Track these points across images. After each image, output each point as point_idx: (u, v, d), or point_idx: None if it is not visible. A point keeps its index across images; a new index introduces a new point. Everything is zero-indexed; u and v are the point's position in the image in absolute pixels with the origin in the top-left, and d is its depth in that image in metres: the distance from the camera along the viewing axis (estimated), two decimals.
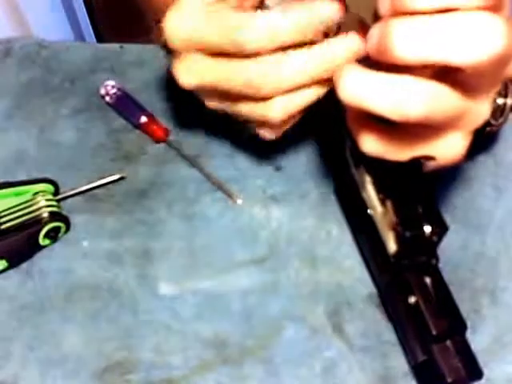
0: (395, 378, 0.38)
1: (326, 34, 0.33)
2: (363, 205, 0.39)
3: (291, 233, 0.44)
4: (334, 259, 0.43)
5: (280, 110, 0.35)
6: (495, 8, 0.28)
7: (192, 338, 0.40)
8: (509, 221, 0.45)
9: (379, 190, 0.38)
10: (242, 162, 0.48)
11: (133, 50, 0.55)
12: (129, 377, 0.38)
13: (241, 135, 0.47)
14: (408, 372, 0.39)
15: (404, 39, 0.28)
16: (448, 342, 0.36)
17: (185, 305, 0.41)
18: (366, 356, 0.39)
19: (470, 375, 0.35)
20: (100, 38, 0.85)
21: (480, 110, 0.32)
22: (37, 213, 0.43)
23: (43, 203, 0.43)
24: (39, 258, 0.43)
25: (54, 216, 0.43)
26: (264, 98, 0.34)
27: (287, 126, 0.38)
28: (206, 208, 0.45)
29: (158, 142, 0.49)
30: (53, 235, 0.43)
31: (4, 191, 0.43)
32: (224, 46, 0.33)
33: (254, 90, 0.34)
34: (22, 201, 0.43)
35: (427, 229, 0.34)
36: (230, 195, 0.46)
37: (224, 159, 0.48)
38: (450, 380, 0.35)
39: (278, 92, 0.34)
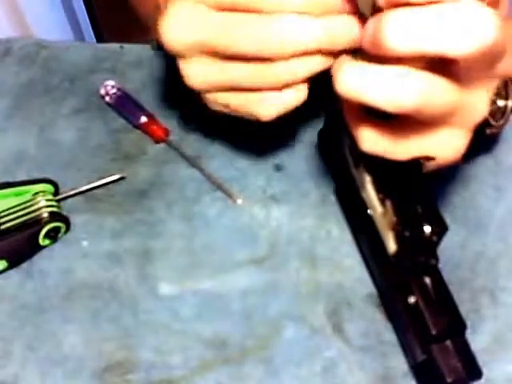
0: (395, 377, 0.38)
1: None
2: (363, 205, 0.39)
3: (291, 232, 0.44)
4: (333, 259, 0.43)
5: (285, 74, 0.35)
6: (491, 4, 0.28)
7: (192, 338, 0.40)
8: (509, 221, 0.45)
9: (379, 189, 0.38)
10: (242, 162, 0.48)
11: (133, 50, 0.55)
12: (129, 377, 0.38)
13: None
14: (408, 372, 0.39)
15: (396, 31, 0.28)
16: (447, 342, 0.36)
17: (185, 305, 0.41)
18: (365, 356, 0.39)
19: (469, 375, 0.35)
20: (100, 38, 0.85)
21: (476, 105, 0.32)
22: (37, 213, 0.43)
23: (43, 203, 0.43)
24: (39, 258, 0.43)
25: (54, 216, 0.43)
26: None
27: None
28: (205, 208, 0.45)
29: (157, 142, 0.49)
30: (53, 235, 0.43)
31: (4, 191, 0.44)
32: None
33: (260, 50, 0.33)
34: (21, 201, 0.43)
35: (427, 229, 0.34)
36: (229, 195, 0.46)
37: (224, 159, 0.48)
38: (449, 380, 0.35)
39: (283, 55, 0.33)
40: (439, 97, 0.30)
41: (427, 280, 0.37)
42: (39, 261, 0.43)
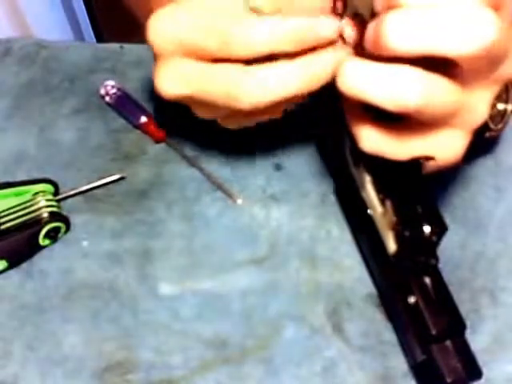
0: (395, 377, 0.38)
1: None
2: (363, 205, 0.39)
3: (291, 232, 0.44)
4: (333, 259, 0.43)
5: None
6: (493, 7, 0.28)
7: (192, 338, 0.40)
8: (508, 221, 0.45)
9: (379, 189, 0.38)
10: (242, 162, 0.48)
11: (133, 50, 0.55)
12: (129, 377, 0.38)
13: None
14: (408, 372, 0.39)
15: (397, 31, 0.28)
16: (447, 342, 0.36)
17: (185, 305, 0.41)
18: (365, 356, 0.39)
19: (469, 375, 0.35)
20: (100, 38, 0.85)
21: (477, 108, 0.32)
22: (37, 213, 0.43)
23: (43, 203, 0.43)
24: (39, 258, 0.43)
25: (54, 216, 0.43)
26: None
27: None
28: (205, 208, 0.45)
29: (157, 142, 0.49)
30: (53, 235, 0.43)
31: (4, 191, 0.44)
32: (212, 48, 0.33)
33: (233, 102, 0.33)
34: (22, 201, 0.43)
35: (427, 229, 0.34)
36: (229, 195, 0.46)
37: (224, 159, 0.48)
38: (449, 380, 0.35)
39: (260, 104, 0.34)
40: (441, 97, 0.30)
41: (427, 280, 0.37)
42: (39, 261, 0.43)
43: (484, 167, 0.47)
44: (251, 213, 0.45)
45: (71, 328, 0.40)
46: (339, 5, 0.35)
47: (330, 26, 0.33)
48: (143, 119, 0.49)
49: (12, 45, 0.55)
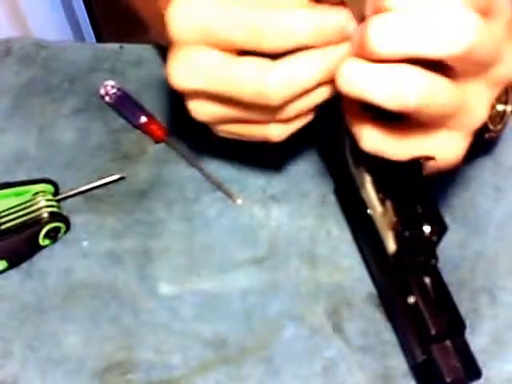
0: (395, 377, 0.38)
1: None
2: (363, 205, 0.39)
3: (291, 232, 0.44)
4: (333, 259, 0.43)
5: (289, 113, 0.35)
6: (481, 12, 0.29)
7: (192, 338, 0.40)
8: (508, 221, 0.45)
9: (379, 189, 0.38)
10: (242, 162, 0.48)
11: (133, 50, 0.55)
12: (129, 377, 0.39)
13: None
14: (407, 372, 0.39)
15: (379, 35, 0.29)
16: (447, 342, 0.36)
17: (185, 305, 0.41)
18: (365, 355, 0.39)
19: (468, 375, 0.35)
20: (100, 38, 0.85)
21: (476, 110, 0.33)
22: (37, 213, 0.43)
23: (43, 203, 0.43)
24: (39, 258, 0.43)
25: (53, 216, 0.43)
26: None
27: (295, 127, 0.37)
28: (205, 208, 0.45)
29: (157, 142, 0.49)
30: (53, 235, 0.43)
31: (4, 191, 0.44)
32: (241, 39, 0.31)
33: (262, 98, 0.32)
34: (21, 201, 0.43)
35: (427, 229, 0.34)
36: (229, 195, 0.46)
37: (224, 159, 0.48)
38: (448, 380, 0.35)
39: (288, 97, 0.33)
40: (441, 96, 0.30)
41: (427, 280, 0.37)
42: (39, 261, 0.43)
43: (484, 167, 0.47)
44: (251, 213, 0.45)
45: (71, 328, 0.40)
46: None
47: (353, 22, 0.33)
48: (143, 119, 0.49)
49: (12, 45, 0.55)
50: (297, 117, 0.36)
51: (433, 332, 0.35)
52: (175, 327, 0.40)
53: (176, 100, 0.51)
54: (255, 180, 0.47)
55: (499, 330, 0.40)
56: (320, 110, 0.37)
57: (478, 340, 0.39)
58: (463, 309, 0.37)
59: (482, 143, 0.41)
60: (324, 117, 0.45)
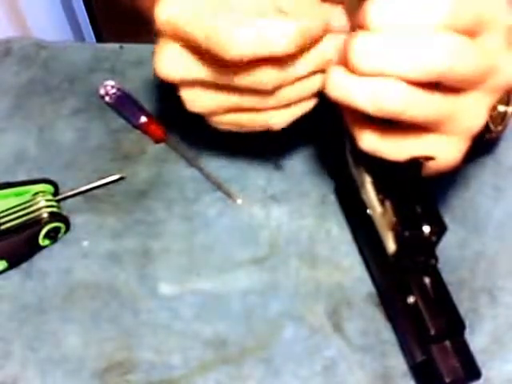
0: (395, 377, 0.38)
1: None
2: (363, 205, 0.39)
3: (291, 232, 0.44)
4: (333, 259, 0.43)
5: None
6: (467, 33, 0.29)
7: (192, 338, 0.40)
8: (508, 221, 0.45)
9: (379, 190, 0.38)
10: (242, 162, 0.48)
11: (133, 50, 0.55)
12: (129, 377, 0.39)
13: None
14: (407, 371, 0.39)
15: (361, 53, 0.30)
16: (446, 342, 0.36)
17: (185, 305, 0.41)
18: (365, 355, 0.39)
19: (468, 375, 0.35)
20: (99, 38, 0.85)
21: (475, 115, 0.33)
22: (37, 213, 0.43)
23: (43, 203, 0.43)
24: (39, 258, 0.43)
25: (53, 216, 0.43)
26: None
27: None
28: (205, 208, 0.46)
29: (157, 142, 0.49)
30: (53, 235, 0.43)
31: (4, 191, 0.44)
32: (205, 46, 0.32)
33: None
34: (21, 201, 0.43)
35: (426, 229, 0.34)
36: (229, 195, 0.46)
37: (224, 159, 0.48)
38: (448, 380, 0.35)
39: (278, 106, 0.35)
40: (422, 105, 0.31)
41: (426, 280, 0.37)
42: (39, 261, 0.43)
43: (484, 167, 0.47)
44: (251, 213, 0.45)
45: (71, 328, 0.40)
46: None
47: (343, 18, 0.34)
48: (143, 119, 0.49)
49: (12, 45, 0.56)
50: (294, 103, 0.36)
51: (432, 332, 0.35)
52: (175, 327, 0.40)
53: (176, 100, 0.51)
54: (255, 180, 0.47)
55: (499, 330, 0.40)
56: (319, 107, 0.37)
57: (477, 340, 0.39)
58: (463, 309, 0.37)
59: (483, 143, 0.41)
60: (324, 117, 0.45)
